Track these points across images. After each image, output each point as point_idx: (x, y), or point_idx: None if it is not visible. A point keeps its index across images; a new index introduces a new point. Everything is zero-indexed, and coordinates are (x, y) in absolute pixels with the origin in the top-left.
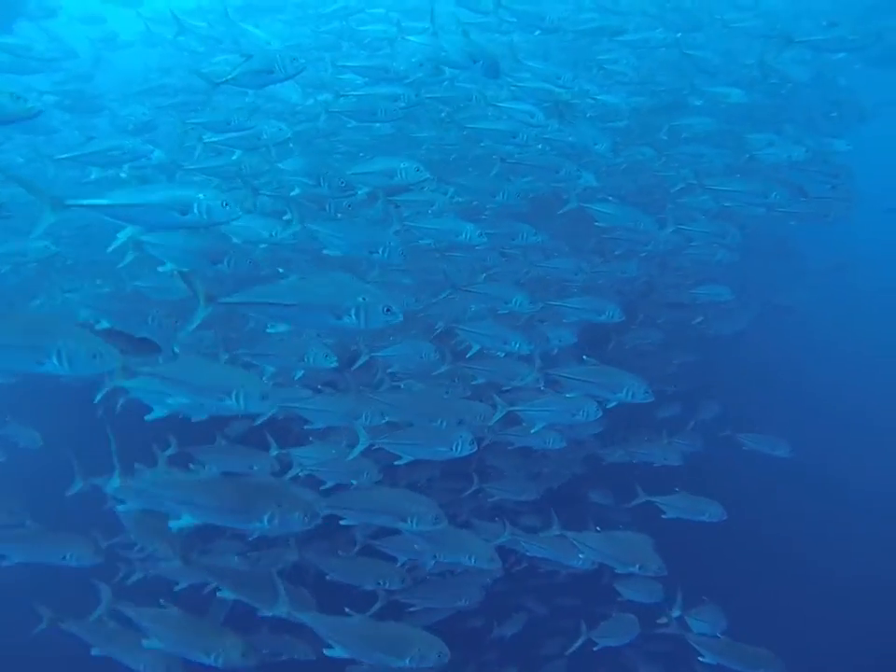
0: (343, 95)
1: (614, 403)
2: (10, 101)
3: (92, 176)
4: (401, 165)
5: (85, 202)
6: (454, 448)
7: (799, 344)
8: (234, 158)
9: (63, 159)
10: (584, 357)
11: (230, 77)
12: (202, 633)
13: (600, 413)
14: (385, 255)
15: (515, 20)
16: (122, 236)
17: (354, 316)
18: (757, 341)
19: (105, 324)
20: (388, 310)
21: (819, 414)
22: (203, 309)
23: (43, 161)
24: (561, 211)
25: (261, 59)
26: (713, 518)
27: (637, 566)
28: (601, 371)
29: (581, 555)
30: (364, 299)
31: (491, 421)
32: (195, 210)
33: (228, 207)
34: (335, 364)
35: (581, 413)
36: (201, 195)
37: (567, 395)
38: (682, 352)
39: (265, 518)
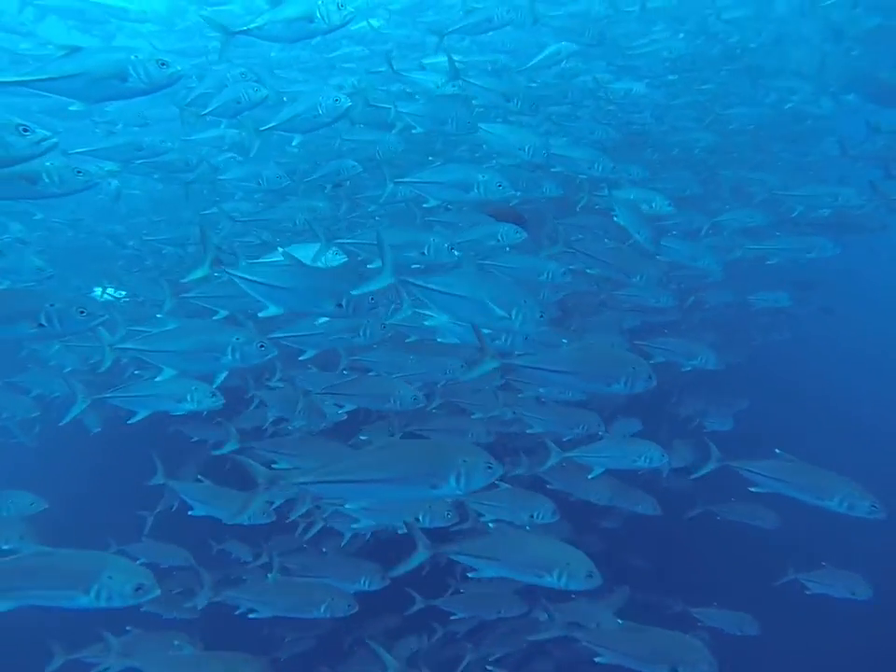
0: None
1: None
2: (157, 69)
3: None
4: (480, 177)
5: (240, 273)
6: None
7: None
8: (294, 144)
9: (79, 153)
10: (777, 450)
11: (253, 24)
12: None
13: (666, 459)
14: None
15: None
16: None
17: (623, 384)
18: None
19: (168, 373)
20: (649, 377)
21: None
22: (489, 363)
23: None
24: (627, 243)
25: (297, 2)
26: (862, 596)
27: None
28: (803, 470)
29: None
30: (634, 369)
31: (545, 467)
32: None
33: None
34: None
35: (643, 458)
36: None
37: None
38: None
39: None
